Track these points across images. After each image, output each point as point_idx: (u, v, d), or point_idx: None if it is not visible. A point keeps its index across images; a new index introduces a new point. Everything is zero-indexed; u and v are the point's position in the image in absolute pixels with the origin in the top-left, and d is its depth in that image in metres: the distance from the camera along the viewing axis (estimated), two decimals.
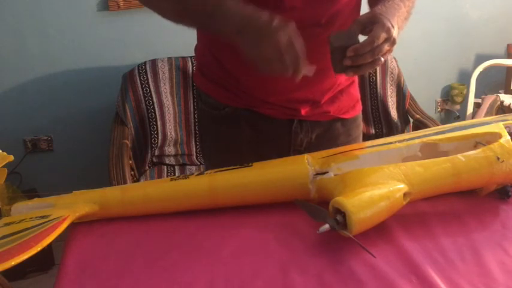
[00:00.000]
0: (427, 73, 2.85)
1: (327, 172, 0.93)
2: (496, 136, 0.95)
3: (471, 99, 2.65)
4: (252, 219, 0.92)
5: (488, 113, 2.50)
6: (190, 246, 0.87)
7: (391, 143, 0.99)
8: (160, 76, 2.32)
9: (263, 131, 1.19)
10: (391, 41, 0.93)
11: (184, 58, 2.35)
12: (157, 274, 0.81)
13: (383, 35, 0.92)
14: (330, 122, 1.21)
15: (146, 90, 2.30)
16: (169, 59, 2.34)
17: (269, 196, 0.94)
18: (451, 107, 2.93)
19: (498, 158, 0.90)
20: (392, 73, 2.47)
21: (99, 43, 2.39)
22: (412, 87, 2.53)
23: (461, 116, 2.90)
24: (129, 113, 2.29)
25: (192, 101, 2.36)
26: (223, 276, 0.79)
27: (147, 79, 2.30)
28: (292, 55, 0.90)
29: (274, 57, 0.90)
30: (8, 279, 1.66)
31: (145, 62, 2.33)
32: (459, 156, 0.90)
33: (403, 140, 0.99)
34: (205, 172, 0.97)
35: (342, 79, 1.19)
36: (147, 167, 2.32)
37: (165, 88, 2.33)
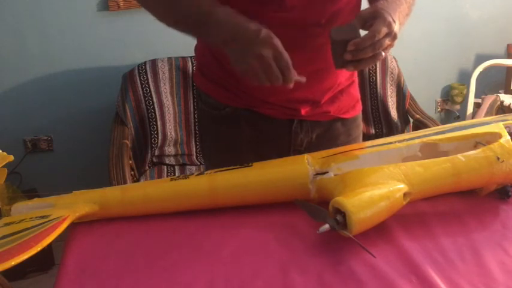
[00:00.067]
0: (427, 73, 2.85)
1: (327, 172, 0.93)
2: (496, 136, 0.95)
3: (471, 99, 2.65)
4: (252, 219, 0.92)
5: (488, 113, 2.50)
6: (190, 246, 0.87)
7: (391, 143, 0.99)
8: (160, 76, 2.32)
9: (263, 131, 1.19)
10: (392, 35, 0.93)
11: (184, 58, 2.35)
12: (157, 274, 0.81)
13: (384, 30, 0.91)
14: (330, 122, 1.21)
15: (146, 90, 2.30)
16: (169, 59, 2.35)
17: (269, 196, 0.94)
18: (451, 107, 2.93)
19: (498, 158, 0.90)
20: (392, 73, 2.47)
21: (99, 43, 2.39)
22: (412, 87, 2.53)
23: (461, 116, 2.90)
24: (129, 113, 2.29)
25: (192, 101, 2.36)
26: (223, 276, 0.79)
27: (147, 79, 2.30)
28: (280, 66, 0.91)
29: (259, 68, 0.91)
30: (8, 279, 1.66)
31: (145, 62, 2.33)
32: (459, 156, 0.90)
33: (403, 140, 0.99)
34: (205, 172, 0.97)
35: (342, 79, 1.19)
36: (147, 167, 2.32)
37: (165, 88, 2.33)
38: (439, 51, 2.83)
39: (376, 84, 2.47)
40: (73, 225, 0.91)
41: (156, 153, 2.32)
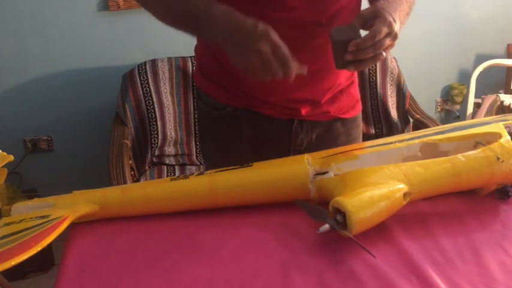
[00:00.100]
0: (427, 73, 2.85)
1: (327, 172, 0.93)
2: (496, 136, 0.95)
3: (471, 99, 2.65)
4: (252, 219, 0.92)
5: (488, 113, 2.50)
6: (190, 246, 0.87)
7: (391, 143, 0.99)
8: (160, 76, 2.32)
9: (263, 131, 1.19)
10: (392, 35, 0.93)
11: (184, 58, 2.35)
12: (157, 274, 0.81)
13: (385, 30, 0.91)
14: (330, 122, 1.21)
15: (146, 90, 2.30)
16: (169, 59, 2.35)
17: (269, 196, 0.94)
18: (451, 107, 2.93)
19: (498, 158, 0.90)
20: (392, 73, 2.47)
21: (99, 43, 2.39)
22: (412, 87, 2.53)
23: (461, 116, 2.90)
24: (129, 113, 2.29)
25: (192, 101, 2.36)
26: (223, 276, 0.79)
27: (147, 79, 2.30)
28: (279, 58, 0.90)
29: (259, 64, 0.91)
30: (8, 279, 1.66)
31: (145, 62, 2.33)
32: (459, 156, 0.90)
33: (403, 140, 0.99)
34: (205, 172, 0.97)
35: (342, 79, 1.19)
36: (147, 167, 2.32)
37: (165, 88, 2.33)
38: (439, 51, 2.83)
39: (376, 84, 2.47)
40: (73, 225, 0.91)
41: (156, 153, 2.32)
